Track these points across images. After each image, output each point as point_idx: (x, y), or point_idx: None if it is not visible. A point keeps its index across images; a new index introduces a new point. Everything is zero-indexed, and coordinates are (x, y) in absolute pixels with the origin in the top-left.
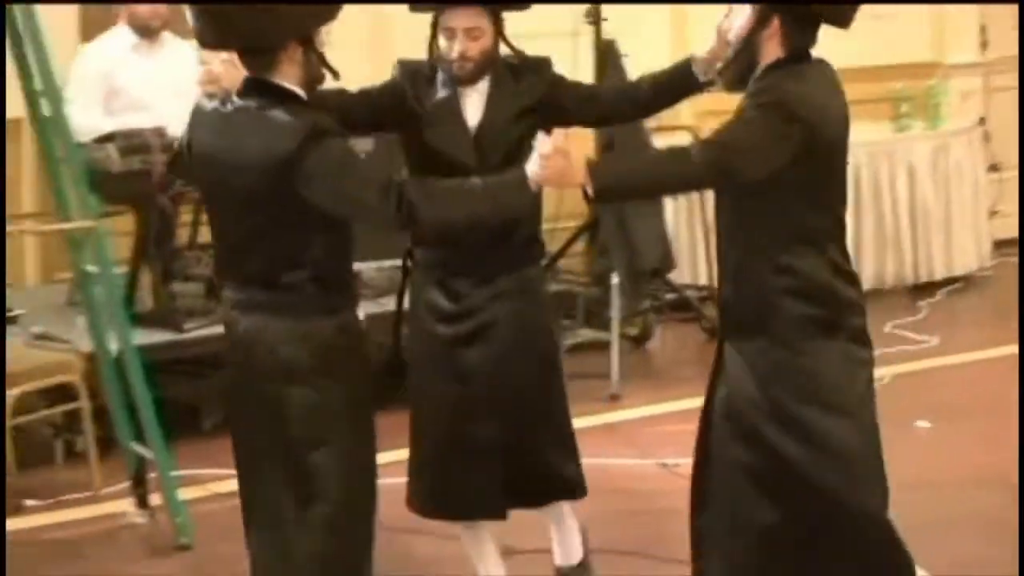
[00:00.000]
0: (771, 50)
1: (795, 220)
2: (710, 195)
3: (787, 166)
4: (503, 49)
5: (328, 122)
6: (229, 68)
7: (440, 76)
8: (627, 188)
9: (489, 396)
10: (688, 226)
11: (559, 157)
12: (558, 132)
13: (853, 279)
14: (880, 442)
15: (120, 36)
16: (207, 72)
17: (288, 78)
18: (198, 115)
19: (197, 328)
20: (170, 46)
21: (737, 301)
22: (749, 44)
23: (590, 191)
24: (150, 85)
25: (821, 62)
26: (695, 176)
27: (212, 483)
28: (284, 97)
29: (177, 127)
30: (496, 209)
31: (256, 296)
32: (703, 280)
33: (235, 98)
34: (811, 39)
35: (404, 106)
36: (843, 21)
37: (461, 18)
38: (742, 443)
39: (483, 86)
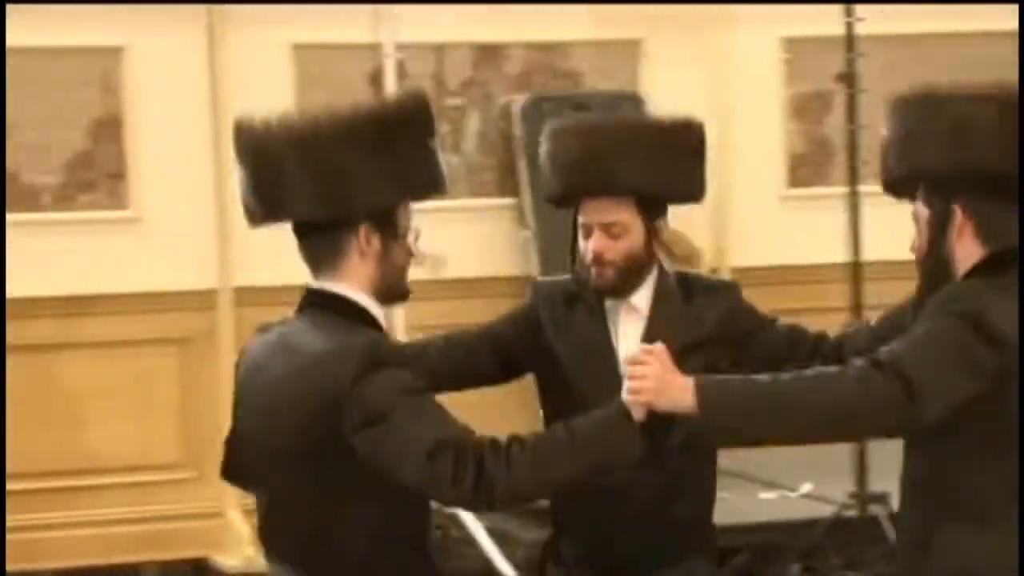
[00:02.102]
0: (967, 250)
1: (965, 484)
2: None
3: (968, 403)
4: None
5: (393, 348)
6: None
7: (586, 294)
8: (748, 413)
9: None
10: None
11: (654, 362)
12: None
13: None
14: None
15: None
16: None
17: (357, 281)
18: (253, 342)
19: None
20: None
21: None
22: (937, 250)
23: (697, 415)
24: None
25: None
26: (867, 409)
27: None
28: (345, 311)
29: None
30: (596, 461)
31: None
32: None
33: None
34: (1014, 229)
35: (539, 340)
36: None
37: (596, 211)
38: None
39: (642, 304)
